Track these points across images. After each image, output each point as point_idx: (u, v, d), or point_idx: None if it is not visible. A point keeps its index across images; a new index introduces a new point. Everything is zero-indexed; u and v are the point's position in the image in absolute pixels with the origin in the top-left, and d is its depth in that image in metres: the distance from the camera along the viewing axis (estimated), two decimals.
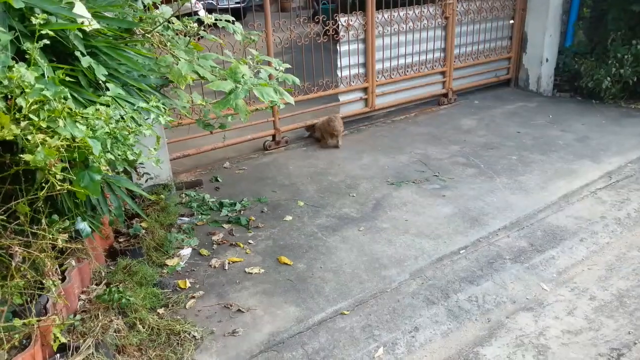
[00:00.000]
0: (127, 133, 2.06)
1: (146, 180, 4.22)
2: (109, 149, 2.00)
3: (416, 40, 6.40)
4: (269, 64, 3.32)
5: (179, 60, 2.61)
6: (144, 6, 3.07)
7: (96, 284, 3.09)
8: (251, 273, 3.47)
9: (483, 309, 3.08)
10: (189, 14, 10.48)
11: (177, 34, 3.09)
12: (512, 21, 7.29)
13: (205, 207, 4.39)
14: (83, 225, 2.27)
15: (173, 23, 3.05)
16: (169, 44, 2.85)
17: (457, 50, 6.87)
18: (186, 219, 4.19)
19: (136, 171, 4.20)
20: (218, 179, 4.96)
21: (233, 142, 5.43)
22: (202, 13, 11.19)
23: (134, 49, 2.47)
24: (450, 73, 6.83)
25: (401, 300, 3.16)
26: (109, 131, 2.01)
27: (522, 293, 3.21)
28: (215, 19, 3.17)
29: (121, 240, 3.63)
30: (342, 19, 5.67)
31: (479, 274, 3.40)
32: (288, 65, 3.02)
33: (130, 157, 2.06)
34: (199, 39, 3.63)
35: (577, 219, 4.04)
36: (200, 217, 4.23)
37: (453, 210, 4.22)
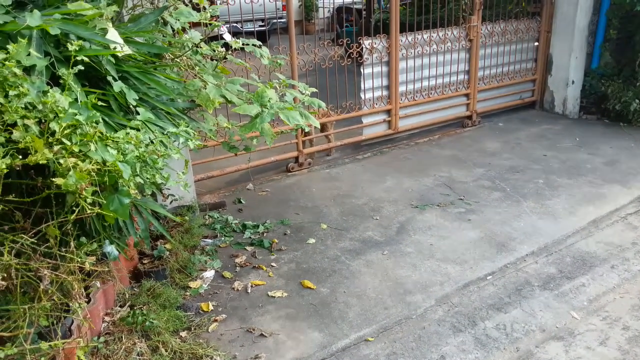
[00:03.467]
0: (156, 157, 2.08)
1: (171, 202, 4.25)
2: (138, 172, 2.02)
3: (440, 63, 6.40)
4: (294, 87, 3.34)
5: (207, 84, 2.64)
6: (173, 31, 3.13)
7: (120, 306, 3.10)
8: (274, 297, 3.44)
9: (511, 337, 2.99)
10: (215, 38, 10.73)
11: (204, 58, 3.13)
12: (537, 43, 7.24)
13: (228, 229, 4.40)
14: (110, 249, 2.29)
15: (201, 47, 3.09)
16: (197, 68, 2.89)
17: (482, 72, 6.84)
18: (209, 240, 4.20)
19: (161, 193, 4.24)
20: (241, 200, 4.98)
21: (256, 163, 5.45)
22: (227, 37, 11.44)
23: (163, 74, 2.51)
24: (474, 95, 6.79)
25: (427, 328, 3.09)
26: (138, 155, 2.03)
27: (552, 321, 3.11)
28: (243, 44, 3.21)
29: (145, 261, 3.65)
30: (366, 42, 5.70)
31: (507, 301, 3.31)
32: (314, 89, 3.03)
33: (159, 181, 2.08)
34: (225, 62, 3.69)
35: (608, 245, 3.93)
36: (223, 239, 4.24)
37: (479, 234, 4.14)
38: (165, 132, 2.11)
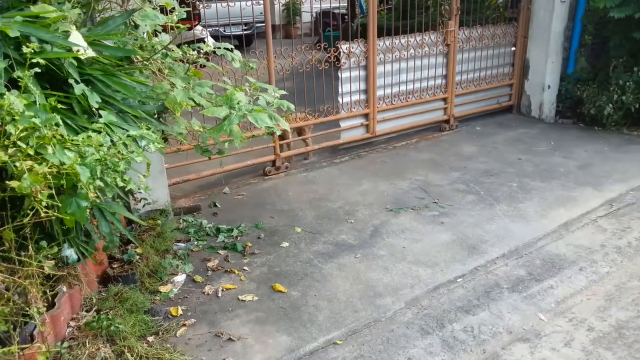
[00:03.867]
0: (117, 160, 2.07)
1: (143, 206, 4.22)
2: (99, 175, 2.01)
3: (417, 67, 6.45)
4: (266, 90, 3.35)
5: (175, 87, 2.64)
6: (145, 34, 3.12)
7: (86, 311, 3.07)
8: (244, 301, 3.43)
9: (479, 339, 3.02)
10: (196, 41, 10.70)
11: (176, 61, 3.13)
12: (513, 48, 7.34)
13: (202, 233, 4.38)
14: (70, 252, 2.27)
15: (172, 50, 3.09)
16: (166, 71, 2.88)
17: (459, 76, 6.91)
18: (182, 244, 4.18)
19: (133, 196, 4.21)
20: (217, 204, 4.96)
21: (233, 167, 5.45)
22: (208, 40, 11.36)
23: (131, 77, 2.50)
24: (451, 99, 6.86)
25: (395, 330, 3.11)
26: (99, 158, 2.02)
27: (519, 323, 3.15)
28: (215, 47, 3.22)
29: (115, 266, 3.62)
30: (344, 46, 5.73)
31: (476, 303, 3.34)
32: (284, 92, 3.04)
33: (121, 184, 2.07)
34: (201, 66, 3.68)
35: (577, 248, 3.98)
36: (196, 243, 4.22)
37: (451, 237, 4.18)
38: (127, 135, 2.10)
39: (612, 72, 6.70)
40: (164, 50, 2.87)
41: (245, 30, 12.69)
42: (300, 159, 6.15)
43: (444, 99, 6.85)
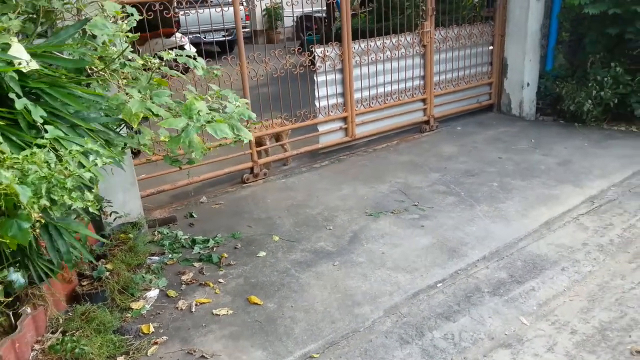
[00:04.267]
0: (63, 177, 1.95)
1: (114, 219, 4.10)
2: (44, 194, 1.89)
3: (395, 69, 6.38)
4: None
5: (132, 98, 2.52)
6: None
7: (52, 333, 2.94)
8: (219, 315, 3.32)
9: (459, 347, 2.93)
10: (180, 48, 10.45)
11: (138, 71, 3.01)
12: (491, 47, 7.31)
13: (177, 245, 4.26)
14: (16, 276, 2.14)
15: (131, 60, 2.98)
16: (124, 81, 2.77)
17: (437, 77, 6.86)
18: (156, 258, 4.05)
19: (102, 210, 4.08)
20: (193, 214, 4.84)
21: (210, 175, 5.33)
22: (188, 47, 11.23)
23: (82, 88, 2.39)
24: (430, 100, 6.80)
25: (374, 340, 3.01)
26: (44, 175, 1.91)
27: (501, 328, 3.07)
28: (177, 55, 3.11)
29: (84, 283, 3.49)
30: (318, 50, 5.65)
31: (456, 309, 3.26)
32: (246, 101, 2.93)
33: (68, 202, 1.95)
34: (170, 77, 3.57)
35: (559, 247, 3.92)
36: (170, 255, 4.09)
37: (431, 241, 4.10)
38: (69, 150, 1.98)
39: (589, 68, 6.69)
40: (122, 60, 2.75)
41: (225, 36, 12.62)
42: (280, 165, 6.05)
43: (423, 100, 6.79)
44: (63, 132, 2.26)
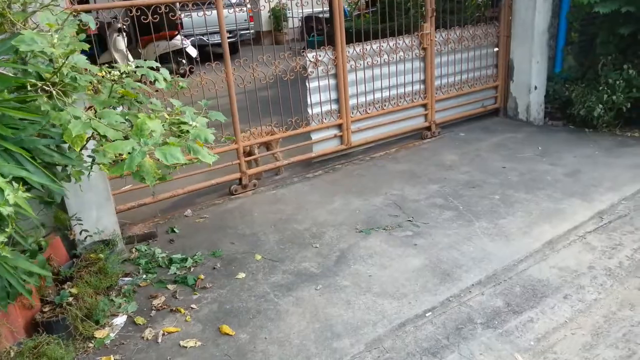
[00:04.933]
0: None
1: (85, 238, 3.86)
2: None
3: (393, 73, 6.08)
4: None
5: (74, 117, 2.26)
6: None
7: None
8: (186, 347, 3.06)
9: None
10: (180, 52, 10.22)
11: (93, 84, 2.76)
12: (496, 49, 6.96)
13: (153, 264, 4.01)
14: None
15: (88, 73, 2.72)
16: (71, 97, 2.51)
17: (439, 81, 6.53)
18: (128, 279, 3.81)
19: (70, 229, 3.85)
20: (175, 229, 4.59)
21: (196, 187, 5.08)
22: (191, 50, 10.87)
23: (14, 110, 2.13)
24: (432, 105, 6.48)
25: None
26: None
27: None
28: (137, 66, 2.85)
29: (46, 310, 3.25)
30: (310, 55, 5.36)
31: (444, 343, 2.96)
32: (204, 120, 2.66)
33: None
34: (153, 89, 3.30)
35: (562, 270, 3.60)
36: (145, 276, 3.85)
37: (423, 262, 3.80)
38: None
39: (601, 70, 6.32)
40: (71, 74, 2.49)
41: (230, 38, 12.37)
42: (272, 175, 5.78)
43: (424, 105, 6.47)
44: None
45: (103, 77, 2.81)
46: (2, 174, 2.08)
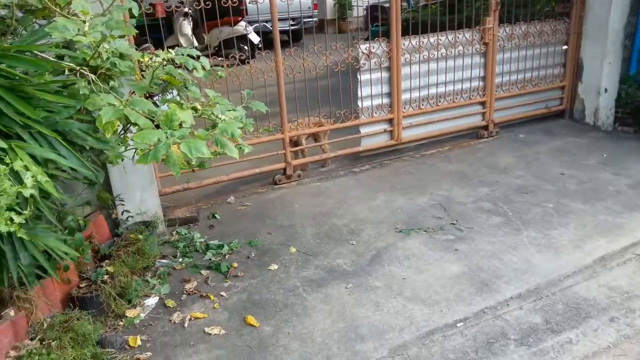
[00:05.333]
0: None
1: (127, 218, 3.98)
2: None
3: (450, 69, 5.84)
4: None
5: (108, 104, 2.30)
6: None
7: (31, 339, 2.83)
8: (210, 334, 3.08)
9: None
10: (244, 38, 10.37)
11: (133, 70, 2.80)
12: (565, 46, 6.53)
13: (190, 249, 4.08)
14: None
15: (130, 59, 2.76)
16: (113, 82, 2.56)
17: (500, 78, 6.22)
18: (165, 261, 3.89)
19: (114, 207, 3.98)
20: (216, 215, 4.65)
21: (240, 175, 5.12)
22: (253, 37, 11.01)
23: (49, 95, 2.18)
24: (491, 103, 6.19)
25: None
26: None
27: None
28: (177, 54, 2.86)
29: (82, 285, 3.38)
30: (363, 47, 5.24)
31: (472, 357, 2.82)
32: (241, 112, 2.63)
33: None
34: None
35: (612, 290, 3.34)
36: (181, 260, 3.92)
37: (462, 269, 3.64)
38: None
39: None
40: (111, 59, 2.53)
41: (293, 25, 12.40)
42: (318, 167, 5.74)
43: (482, 103, 6.19)
44: (24, 140, 2.08)
45: (143, 63, 2.83)
46: (34, 156, 2.15)
